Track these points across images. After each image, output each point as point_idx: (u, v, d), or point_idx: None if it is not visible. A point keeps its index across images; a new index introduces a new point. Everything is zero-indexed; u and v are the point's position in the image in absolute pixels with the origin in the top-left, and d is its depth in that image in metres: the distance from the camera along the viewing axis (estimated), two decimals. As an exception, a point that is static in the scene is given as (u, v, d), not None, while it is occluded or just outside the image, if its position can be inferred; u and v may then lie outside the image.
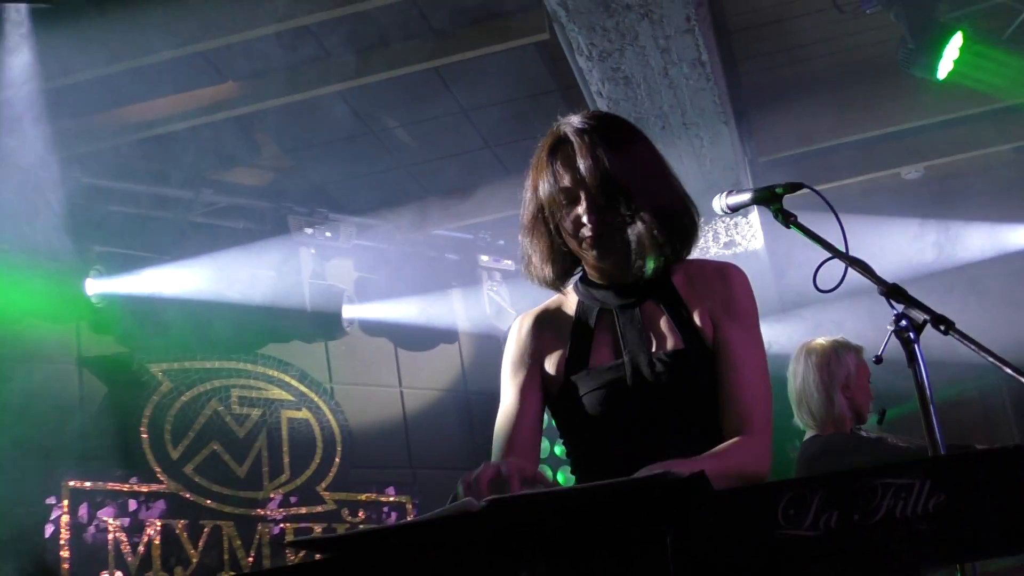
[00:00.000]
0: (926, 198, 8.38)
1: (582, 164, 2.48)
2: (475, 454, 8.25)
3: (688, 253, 2.59)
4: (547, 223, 2.58)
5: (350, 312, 7.68)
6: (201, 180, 7.07)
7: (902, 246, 8.16)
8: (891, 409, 4.59)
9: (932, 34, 6.03)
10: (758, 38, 6.63)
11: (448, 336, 8.47)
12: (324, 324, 7.52)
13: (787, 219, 2.68)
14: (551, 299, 2.77)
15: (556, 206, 2.54)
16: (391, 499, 7.75)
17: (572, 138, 2.52)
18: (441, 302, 8.33)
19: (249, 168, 7.22)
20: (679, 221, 2.53)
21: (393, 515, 7.73)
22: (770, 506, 1.70)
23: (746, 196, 2.76)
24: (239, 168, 7.17)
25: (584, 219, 2.50)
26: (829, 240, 2.61)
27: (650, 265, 2.50)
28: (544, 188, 2.55)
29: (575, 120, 2.57)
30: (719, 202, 2.82)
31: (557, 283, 2.64)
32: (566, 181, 2.51)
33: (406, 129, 7.02)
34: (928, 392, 2.42)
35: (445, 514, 1.74)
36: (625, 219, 2.47)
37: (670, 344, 2.53)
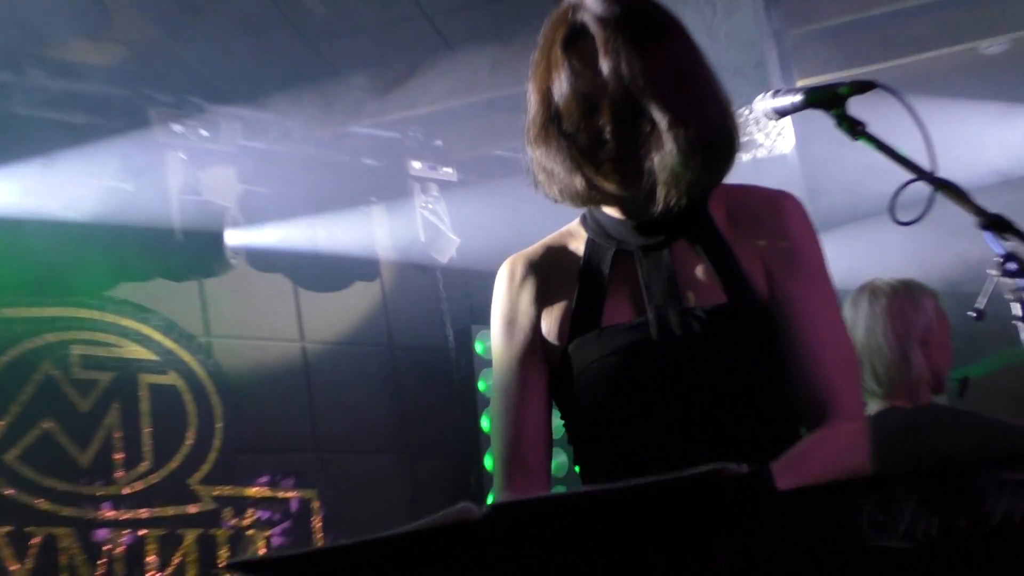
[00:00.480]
0: (1015, 79, 8.51)
1: (606, 65, 2.55)
2: (403, 433, 8.37)
3: (721, 179, 2.68)
4: (565, 130, 2.65)
5: (236, 238, 7.69)
6: (28, 59, 7.03)
7: (985, 143, 8.27)
8: (963, 370, 4.72)
9: None
10: None
11: (366, 271, 8.54)
12: (200, 255, 7.52)
13: (854, 128, 2.77)
14: (551, 235, 2.86)
15: (570, 114, 2.62)
16: (291, 494, 7.83)
17: (593, 30, 2.60)
18: (357, 225, 8.37)
19: (95, 43, 7.19)
20: (720, 142, 2.61)
21: (290, 518, 7.81)
22: (853, 510, 1.77)
23: (799, 97, 2.85)
24: (81, 42, 7.13)
25: (606, 134, 2.58)
26: (907, 156, 2.72)
27: (683, 198, 2.57)
28: (559, 90, 2.62)
29: (593, 3, 2.65)
30: (763, 105, 2.91)
31: (591, 193, 2.67)
32: (584, 85, 2.59)
33: (315, -9, 7.04)
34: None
35: (435, 523, 1.80)
36: (656, 138, 2.54)
37: (709, 297, 2.62)
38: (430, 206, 8.46)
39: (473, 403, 8.36)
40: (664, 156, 2.53)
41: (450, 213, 8.55)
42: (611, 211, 2.73)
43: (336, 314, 8.40)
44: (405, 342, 8.59)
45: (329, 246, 8.22)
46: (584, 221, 2.81)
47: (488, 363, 8.32)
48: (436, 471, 8.33)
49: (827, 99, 2.80)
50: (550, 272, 2.77)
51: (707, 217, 2.70)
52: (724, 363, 2.57)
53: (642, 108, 2.54)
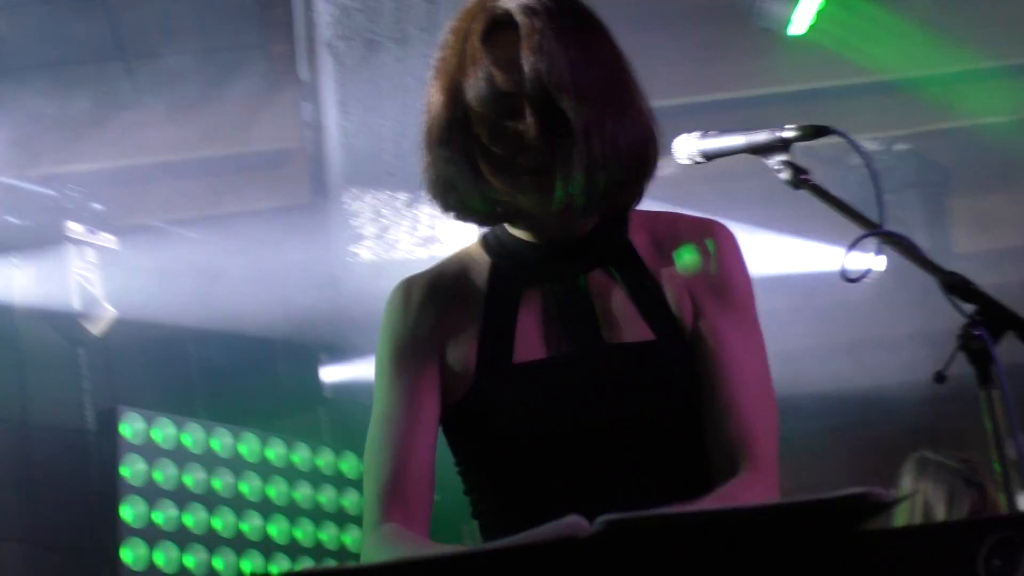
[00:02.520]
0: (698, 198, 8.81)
1: (528, 62, 2.44)
2: (32, 520, 7.94)
3: (640, 195, 2.62)
4: (474, 136, 2.52)
5: None
6: None
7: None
8: None
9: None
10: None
11: (3, 336, 8.10)
12: None
13: (797, 177, 2.72)
14: (446, 259, 2.71)
15: (484, 116, 2.49)
16: None
17: (519, 19, 2.48)
18: (-2, 286, 8.00)
19: None
20: (640, 154, 2.54)
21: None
22: (967, 552, 1.76)
23: (738, 140, 2.78)
24: None
25: (531, 134, 2.44)
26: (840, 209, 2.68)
27: (595, 213, 2.52)
28: (475, 88, 2.49)
29: None
30: (687, 146, 2.82)
31: (490, 216, 2.58)
32: (504, 83, 2.46)
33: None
34: (1011, 424, 2.50)
35: (543, 537, 1.74)
36: (570, 143, 2.44)
37: (633, 333, 2.54)
38: (86, 273, 8.15)
39: (113, 491, 7.96)
40: (577, 163, 2.43)
41: (104, 284, 8.24)
42: (518, 232, 2.61)
43: (-35, 382, 7.95)
44: (41, 420, 8.15)
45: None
46: (486, 243, 2.68)
47: (134, 448, 8.02)
48: (66, 564, 7.94)
49: (771, 144, 2.74)
50: (451, 298, 2.63)
51: (627, 243, 2.62)
52: (650, 404, 2.50)
53: (560, 109, 2.43)
